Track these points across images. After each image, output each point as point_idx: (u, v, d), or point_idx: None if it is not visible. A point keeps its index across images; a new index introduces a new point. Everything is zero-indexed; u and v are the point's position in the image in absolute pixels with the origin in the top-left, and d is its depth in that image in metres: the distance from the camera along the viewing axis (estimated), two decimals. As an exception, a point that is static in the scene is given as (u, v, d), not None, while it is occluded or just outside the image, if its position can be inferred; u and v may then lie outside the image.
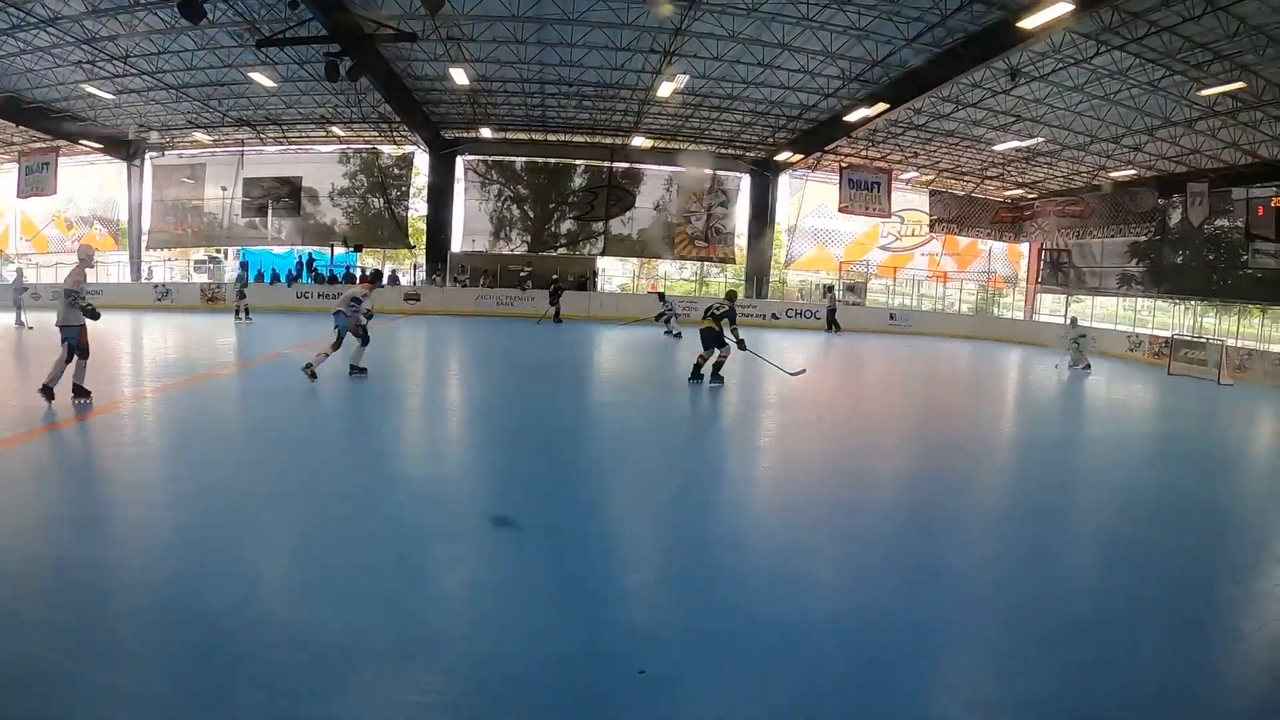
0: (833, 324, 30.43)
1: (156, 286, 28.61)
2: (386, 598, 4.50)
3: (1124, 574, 5.86)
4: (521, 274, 31.21)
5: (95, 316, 9.34)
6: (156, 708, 3.27)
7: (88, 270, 9.65)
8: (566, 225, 34.08)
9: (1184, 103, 21.69)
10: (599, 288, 33.62)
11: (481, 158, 33.10)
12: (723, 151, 32.80)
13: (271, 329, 20.69)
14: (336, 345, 12.24)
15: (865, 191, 32.50)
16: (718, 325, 13.40)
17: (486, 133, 30.82)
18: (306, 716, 3.28)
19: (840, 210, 32.98)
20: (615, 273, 36.34)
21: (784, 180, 34.38)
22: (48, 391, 8.99)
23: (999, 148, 28.15)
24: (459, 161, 32.87)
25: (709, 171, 33.67)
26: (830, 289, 33.12)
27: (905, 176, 33.91)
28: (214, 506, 5.96)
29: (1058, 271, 35.64)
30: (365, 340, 12.78)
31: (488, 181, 33.33)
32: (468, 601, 4.64)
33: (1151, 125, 23.71)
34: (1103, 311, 34.48)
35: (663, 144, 31.96)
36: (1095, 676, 4.07)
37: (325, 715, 3.29)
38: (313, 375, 11.88)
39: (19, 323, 19.74)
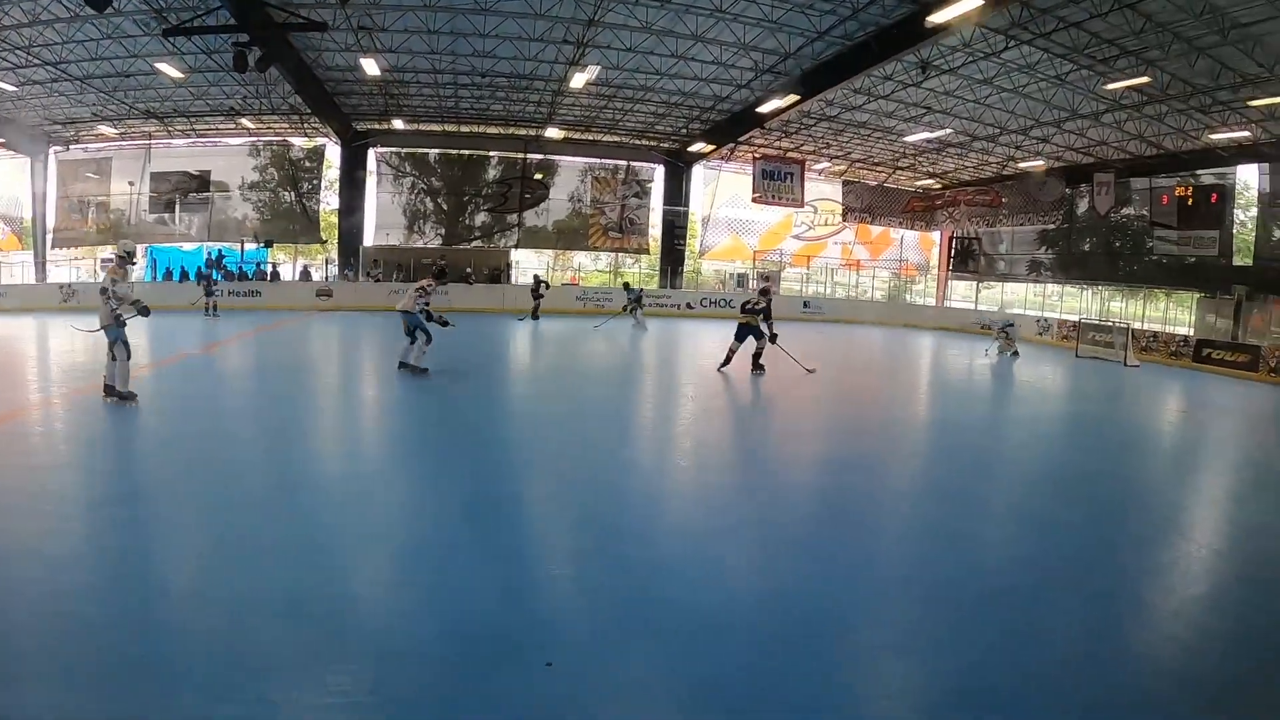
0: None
1: (63, 287, 26.68)
2: (297, 599, 4.42)
3: (1036, 549, 6.16)
4: (434, 267, 30.12)
5: (145, 313, 9.27)
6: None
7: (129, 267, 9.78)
8: (481, 218, 33.10)
9: (1091, 96, 21.86)
10: (513, 280, 32.57)
11: (394, 150, 31.82)
12: (637, 143, 32.30)
13: (181, 329, 19.41)
14: (429, 339, 12.67)
15: (778, 182, 32.34)
16: (755, 320, 14.35)
17: (399, 124, 29.68)
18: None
19: (754, 200, 32.76)
20: (531, 265, 35.36)
21: (698, 171, 33.94)
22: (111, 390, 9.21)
23: (910, 139, 28.20)
24: (371, 154, 31.53)
25: (623, 163, 33.09)
26: (767, 279, 32.69)
27: (818, 167, 33.82)
28: (118, 516, 5.73)
29: (968, 259, 36.17)
30: (428, 339, 12.80)
31: (401, 174, 32.08)
32: (378, 601, 4.57)
33: (1059, 118, 23.93)
34: (1013, 297, 34.98)
35: (577, 135, 31.21)
36: (1006, 650, 4.25)
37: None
38: (424, 371, 12.50)
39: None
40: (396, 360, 12.92)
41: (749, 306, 14.63)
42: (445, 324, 13.10)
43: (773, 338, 14.40)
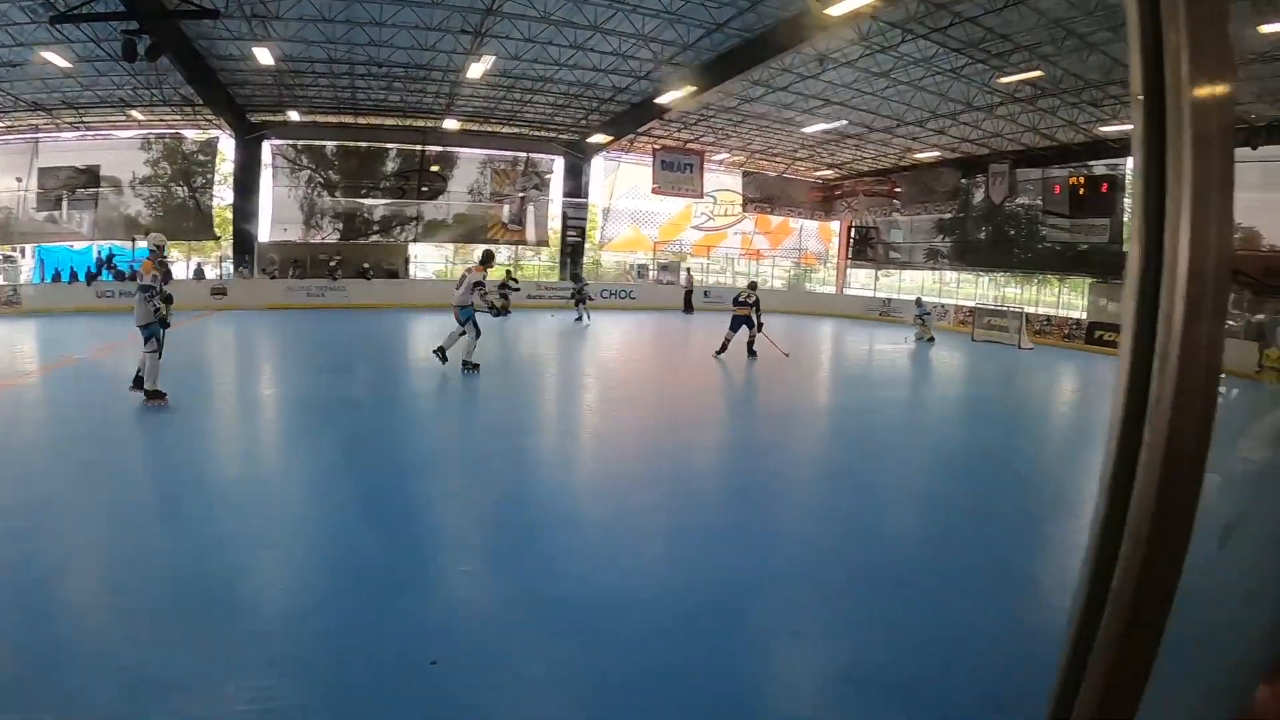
0: (688, 306, 30.61)
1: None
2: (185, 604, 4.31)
3: (935, 528, 6.41)
4: (331, 263, 28.74)
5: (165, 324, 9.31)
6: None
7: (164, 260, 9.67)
8: (380, 211, 31.60)
9: (985, 89, 22.09)
10: (412, 275, 31.35)
11: (290, 142, 30.00)
12: (537, 134, 31.38)
13: (71, 332, 18.18)
14: (477, 333, 12.74)
15: (678, 173, 31.95)
16: (747, 310, 16.35)
17: (295, 116, 28.04)
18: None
19: (653, 191, 32.32)
20: (431, 259, 34.14)
21: (598, 162, 33.34)
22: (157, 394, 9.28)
23: (808, 130, 28.09)
24: (266, 146, 29.66)
25: (523, 154, 32.16)
26: (688, 270, 33.09)
27: (718, 158, 33.62)
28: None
29: (866, 247, 36.62)
30: (477, 333, 12.86)
31: (297, 167, 30.29)
32: (262, 604, 4.42)
33: (955, 110, 24.16)
34: (910, 284, 35.43)
35: (476, 127, 30.26)
36: (908, 628, 4.36)
37: None
38: (476, 367, 12.69)
39: None
40: (434, 346, 13.22)
41: (741, 300, 16.68)
42: (503, 312, 13.90)
43: (759, 326, 16.44)
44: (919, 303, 24.34)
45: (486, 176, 32.22)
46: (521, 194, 32.55)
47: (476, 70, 21.78)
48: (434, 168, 31.29)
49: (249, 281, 28.41)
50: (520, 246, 34.38)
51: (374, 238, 31.73)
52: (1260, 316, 21.26)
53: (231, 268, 29.66)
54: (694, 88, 22.27)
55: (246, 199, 29.78)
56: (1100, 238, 25.95)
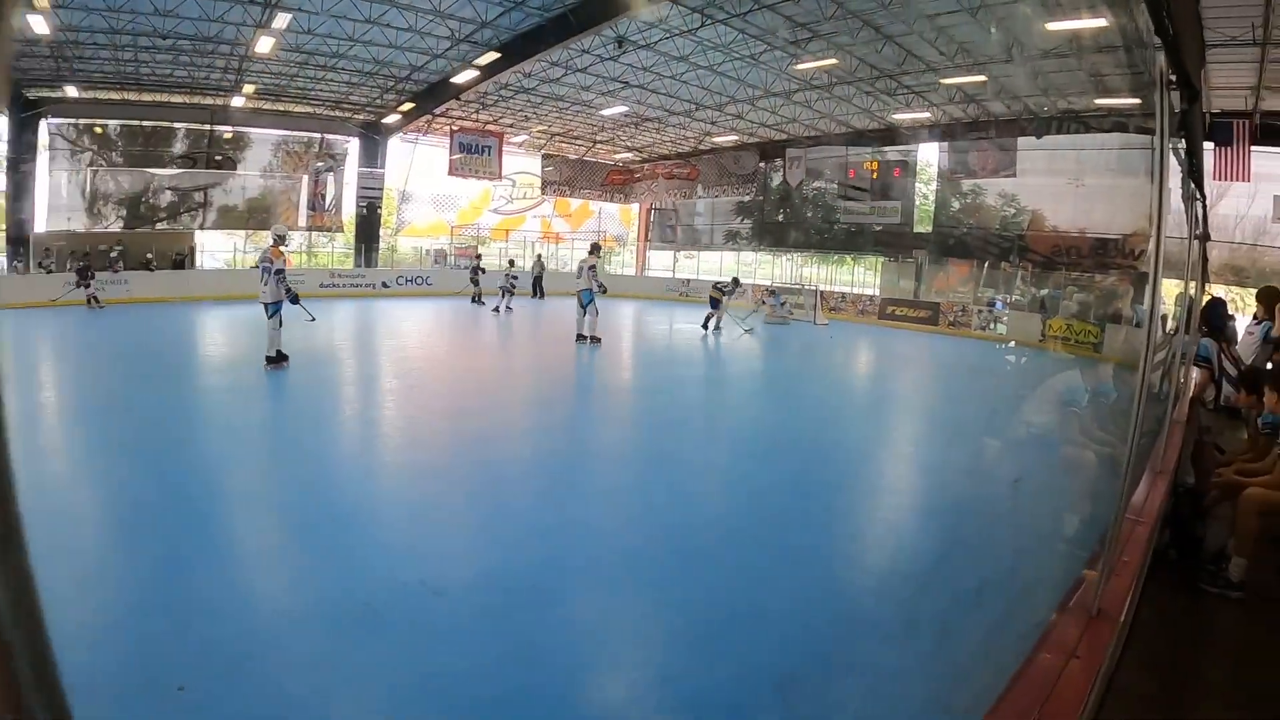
0: (538, 290, 29.63)
1: None
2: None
3: (724, 506, 6.61)
4: (113, 254, 25.37)
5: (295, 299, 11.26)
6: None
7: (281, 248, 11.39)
8: (167, 197, 27.98)
9: (783, 76, 22.35)
10: (199, 264, 28.29)
11: (70, 121, 25.96)
12: (331, 114, 28.98)
13: None
14: (597, 311, 15.37)
15: (477, 155, 30.67)
16: (720, 294, 19.86)
17: (72, 91, 24.55)
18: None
19: (450, 174, 30.94)
20: (220, 248, 30.84)
21: (395, 144, 31.27)
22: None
23: (607, 113, 27.69)
24: (44, 126, 25.60)
25: (317, 135, 29.56)
26: (539, 256, 31.68)
27: (517, 140, 32.48)
28: None
29: (666, 230, 36.77)
30: (597, 311, 15.55)
31: (78, 149, 26.32)
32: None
33: (753, 95, 24.35)
34: (710, 266, 35.78)
35: (268, 105, 27.49)
36: (700, 607, 4.51)
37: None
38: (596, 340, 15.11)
39: None
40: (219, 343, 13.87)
41: (719, 286, 20.19)
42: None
43: (718, 304, 19.77)
44: (736, 282, 24.40)
45: (279, 158, 29.42)
46: (315, 177, 29.99)
47: (266, 43, 19.78)
48: (224, 150, 28.10)
49: (24, 277, 24.44)
50: (314, 232, 31.80)
51: (160, 225, 28.11)
52: (1044, 291, 22.94)
53: (5, 262, 25.58)
54: (492, 65, 21.39)
55: (20, 186, 25.63)
56: (893, 219, 27.26)
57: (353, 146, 30.47)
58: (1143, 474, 3.78)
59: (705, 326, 19.47)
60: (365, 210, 31.20)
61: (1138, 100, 2.63)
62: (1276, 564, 5.29)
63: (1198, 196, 4.36)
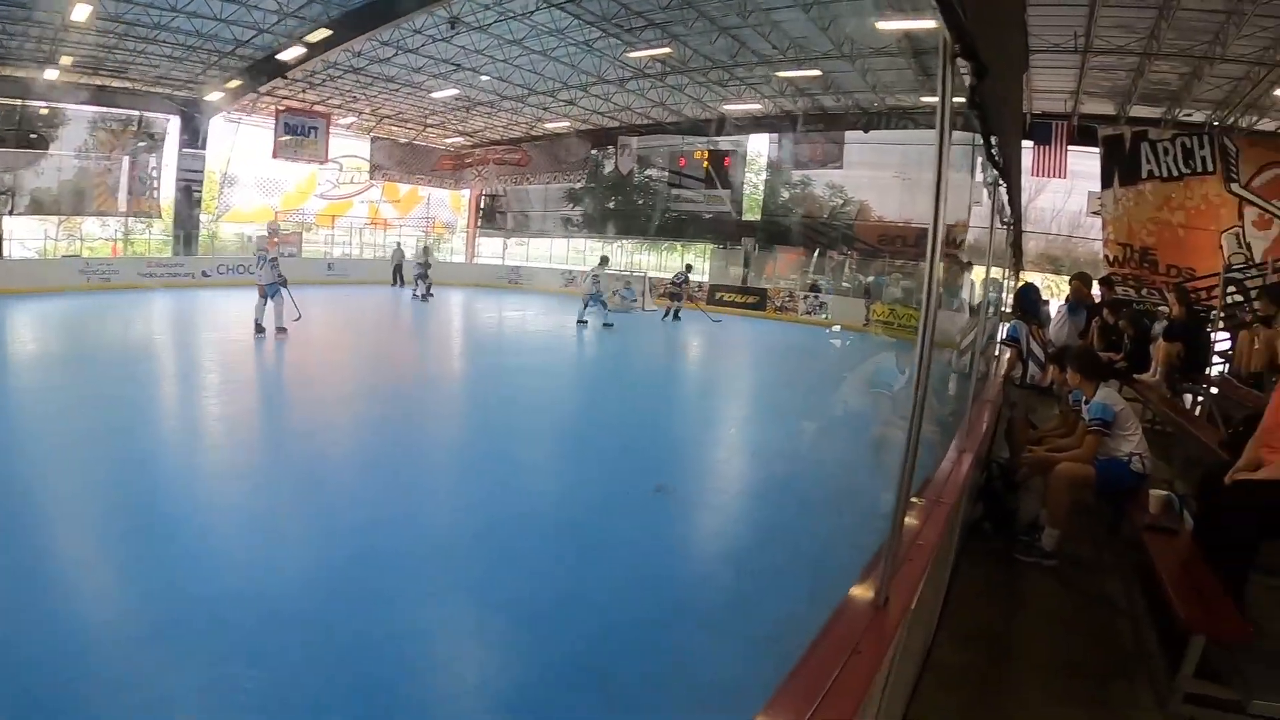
0: (397, 278, 29.01)
1: None
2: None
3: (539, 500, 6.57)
4: None
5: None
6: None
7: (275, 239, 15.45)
8: None
9: (617, 63, 22.33)
10: (7, 254, 25.30)
11: None
12: (152, 90, 26.61)
13: None
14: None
15: (303, 137, 29.18)
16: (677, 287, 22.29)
17: None
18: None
19: (275, 156, 29.31)
20: (29, 236, 27.79)
21: (218, 124, 29.05)
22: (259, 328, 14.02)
23: (438, 95, 26.87)
24: None
25: (135, 113, 27.04)
26: (427, 248, 30.34)
27: (345, 122, 31.06)
28: None
29: (496, 216, 36.34)
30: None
31: None
32: None
33: (586, 82, 24.23)
34: (541, 253, 35.63)
35: (84, 79, 24.90)
36: (518, 603, 4.50)
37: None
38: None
39: None
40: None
41: (676, 279, 22.83)
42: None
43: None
44: (629, 284, 24.74)
45: (96, 138, 26.83)
46: (133, 158, 27.55)
47: (83, 11, 17.94)
48: (36, 128, 25.39)
49: None
50: (131, 219, 29.29)
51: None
52: (870, 278, 24.05)
53: None
54: (322, 44, 20.30)
55: None
56: (723, 208, 27.96)
57: (173, 126, 28.06)
58: (947, 452, 3.78)
59: (665, 316, 22.06)
60: (185, 194, 29.00)
61: (960, 100, 2.61)
62: (1088, 533, 5.65)
63: (1000, 182, 4.48)
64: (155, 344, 15.09)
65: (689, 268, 23.53)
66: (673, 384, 13.87)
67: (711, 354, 17.84)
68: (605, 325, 19.27)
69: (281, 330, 14.18)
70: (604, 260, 23.41)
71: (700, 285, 26.93)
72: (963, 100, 2.60)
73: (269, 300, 14.16)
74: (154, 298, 21.35)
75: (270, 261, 14.23)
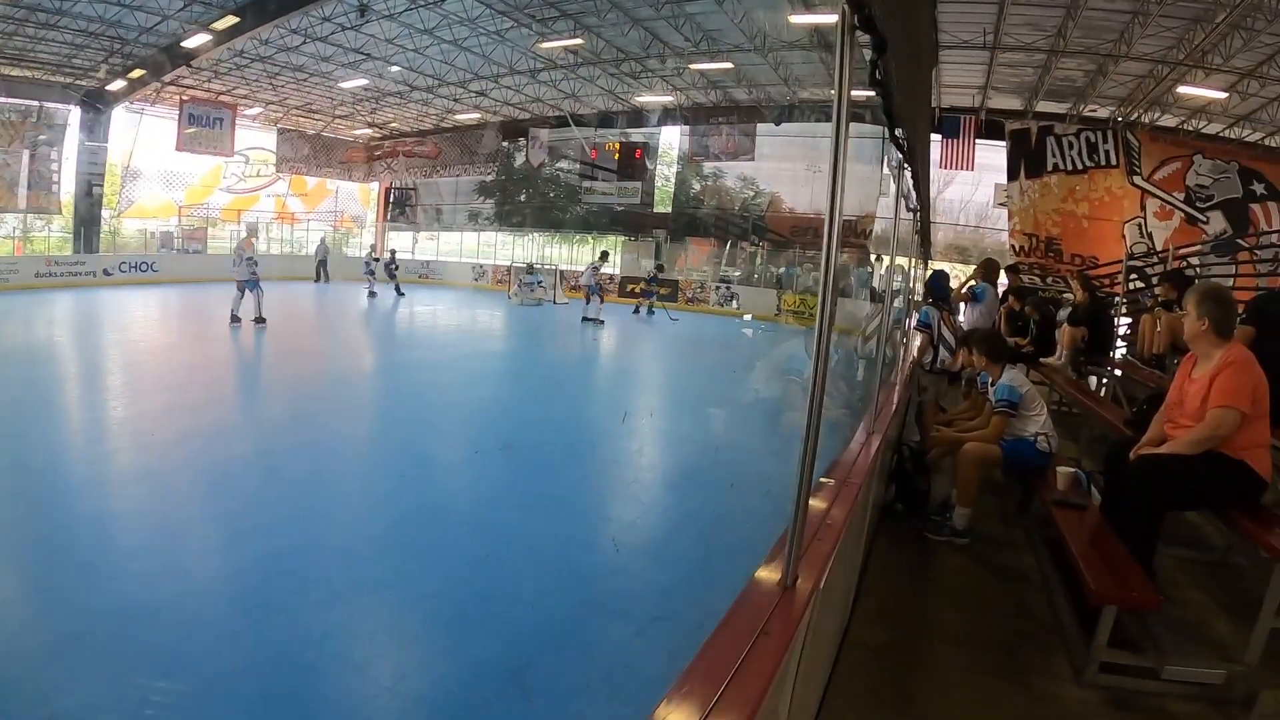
0: (321, 274, 28.61)
1: None
2: None
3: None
4: None
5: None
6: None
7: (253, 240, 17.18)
8: None
9: (529, 54, 22.12)
10: None
11: None
12: (51, 79, 25.17)
13: None
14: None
15: (207, 128, 28.04)
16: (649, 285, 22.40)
17: None
18: None
19: (179, 149, 28.14)
20: None
21: (119, 114, 27.62)
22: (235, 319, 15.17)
23: (347, 85, 26.15)
24: None
25: (35, 103, 25.55)
26: (322, 239, 30.81)
27: (251, 113, 29.95)
28: None
29: (406, 209, 35.69)
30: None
31: None
32: None
33: (497, 73, 23.95)
34: (451, 246, 35.23)
35: None
36: (437, 599, 4.51)
37: None
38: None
39: None
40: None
41: (652, 276, 22.67)
42: None
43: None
44: (653, 277, 23.86)
45: None
46: (31, 151, 26.05)
47: None
48: None
49: None
50: (29, 215, 27.73)
51: None
52: (781, 269, 24.36)
53: None
54: (228, 31, 19.56)
55: None
56: (634, 200, 28.03)
57: (73, 117, 26.65)
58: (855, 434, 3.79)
59: (637, 311, 22.18)
60: (87, 188, 27.63)
61: (871, 93, 2.64)
62: (998, 511, 5.80)
63: (905, 165, 4.54)
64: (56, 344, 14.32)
65: (660, 267, 23.63)
66: (593, 376, 13.98)
67: (627, 345, 17.80)
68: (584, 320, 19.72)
69: (260, 321, 15.32)
70: (604, 255, 23.28)
71: (611, 277, 26.94)
72: (864, 77, 2.60)
73: (246, 294, 15.34)
74: (55, 298, 20.25)
75: (248, 259, 15.48)
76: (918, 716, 3.13)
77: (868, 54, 2.27)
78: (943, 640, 3.76)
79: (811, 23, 17.13)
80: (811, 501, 2.11)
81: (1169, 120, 19.00)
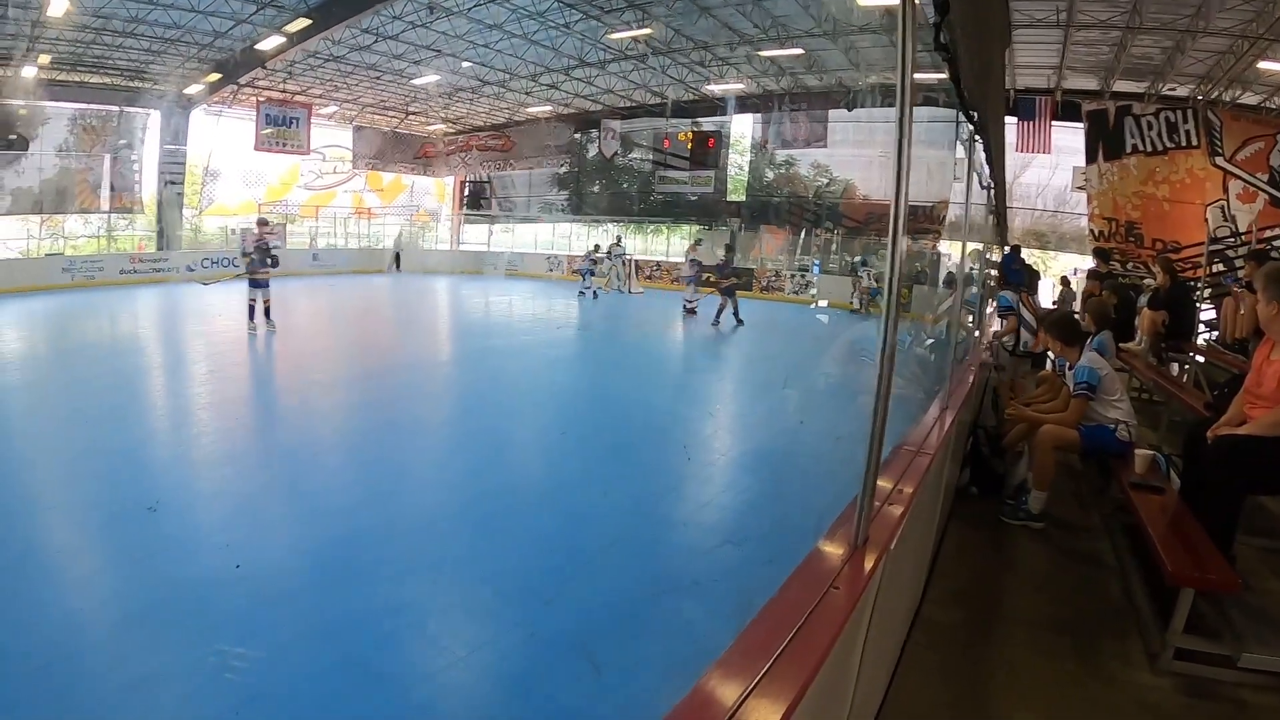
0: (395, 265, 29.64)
1: None
2: None
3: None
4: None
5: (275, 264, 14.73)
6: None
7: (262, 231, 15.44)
8: None
9: (598, 45, 22.22)
10: None
11: None
12: (131, 85, 26.12)
13: None
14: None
15: (284, 128, 28.80)
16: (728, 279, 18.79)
17: None
18: None
19: (257, 149, 28.94)
20: (12, 236, 27.33)
21: (198, 117, 28.71)
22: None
23: (419, 82, 26.61)
24: None
25: (116, 109, 26.64)
26: (400, 232, 31.75)
27: (326, 111, 30.74)
28: None
29: (480, 202, 36.09)
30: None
31: None
32: None
33: (568, 65, 24.11)
34: (525, 239, 35.46)
35: (64, 76, 24.52)
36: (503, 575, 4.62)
37: None
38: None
39: None
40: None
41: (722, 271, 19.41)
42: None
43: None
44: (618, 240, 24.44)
45: (77, 135, 26.43)
46: (114, 154, 27.20)
47: (60, 6, 17.74)
48: (16, 124, 24.91)
49: None
50: (114, 214, 28.96)
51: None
52: (857, 257, 24.02)
53: None
54: (301, 33, 20.16)
55: None
56: (707, 189, 27.92)
57: (154, 120, 27.72)
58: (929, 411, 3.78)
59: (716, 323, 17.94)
60: (168, 188, 28.70)
61: (943, 75, 2.65)
62: (1075, 496, 5.67)
63: (976, 138, 4.45)
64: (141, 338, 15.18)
65: (619, 239, 23.92)
66: (671, 363, 14.22)
67: (704, 334, 17.44)
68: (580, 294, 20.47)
69: (253, 330, 14.40)
70: (619, 240, 23.62)
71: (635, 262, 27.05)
72: (934, 60, 2.56)
73: (256, 292, 14.65)
74: (138, 293, 21.13)
75: (262, 251, 14.85)
76: (988, 696, 3.11)
77: (934, 24, 2.26)
78: (1015, 622, 3.71)
79: (881, 4, 16.81)
80: (882, 474, 2.13)
81: (1251, 98, 18.09)
